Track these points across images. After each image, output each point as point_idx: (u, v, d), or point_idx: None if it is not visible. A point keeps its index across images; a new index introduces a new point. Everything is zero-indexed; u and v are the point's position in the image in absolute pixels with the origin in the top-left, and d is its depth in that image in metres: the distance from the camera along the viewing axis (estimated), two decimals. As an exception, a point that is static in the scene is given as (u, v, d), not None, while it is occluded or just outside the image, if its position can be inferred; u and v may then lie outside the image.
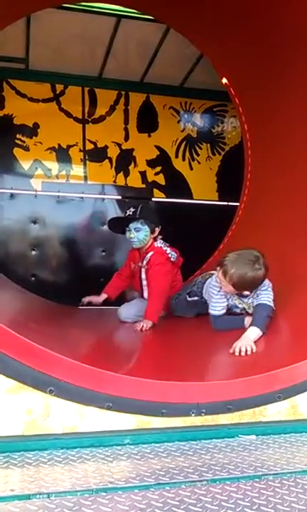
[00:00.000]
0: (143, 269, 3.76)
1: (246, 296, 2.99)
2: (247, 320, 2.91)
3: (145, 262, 3.72)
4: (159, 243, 3.78)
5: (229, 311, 3.11)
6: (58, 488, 1.55)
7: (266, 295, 2.89)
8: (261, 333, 2.70)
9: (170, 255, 3.74)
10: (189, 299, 3.59)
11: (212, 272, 3.31)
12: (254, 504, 1.49)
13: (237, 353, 2.52)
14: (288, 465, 1.77)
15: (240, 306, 3.07)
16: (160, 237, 3.84)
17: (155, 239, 3.79)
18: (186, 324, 3.53)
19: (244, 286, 2.87)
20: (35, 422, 1.85)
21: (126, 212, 3.77)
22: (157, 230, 3.79)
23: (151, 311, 3.48)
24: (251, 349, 2.53)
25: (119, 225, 3.88)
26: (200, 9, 3.63)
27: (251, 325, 2.76)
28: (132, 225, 3.72)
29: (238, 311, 3.10)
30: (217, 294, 3.06)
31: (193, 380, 2.20)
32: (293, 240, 3.29)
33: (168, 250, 3.76)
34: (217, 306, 3.07)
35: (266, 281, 2.92)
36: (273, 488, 1.60)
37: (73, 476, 1.64)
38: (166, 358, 2.62)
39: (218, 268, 2.94)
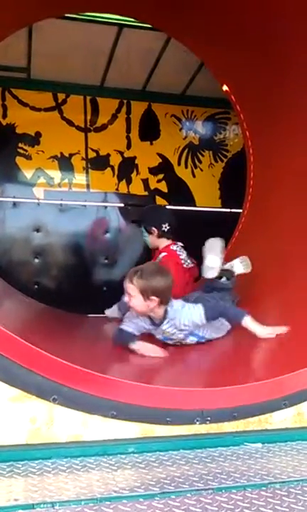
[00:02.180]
0: None
1: (159, 324, 2.90)
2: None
3: (157, 262, 3.73)
4: (175, 247, 3.81)
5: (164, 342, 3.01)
6: (62, 498, 1.54)
7: (195, 312, 2.85)
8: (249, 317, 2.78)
9: (182, 261, 3.75)
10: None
11: None
12: (260, 513, 1.47)
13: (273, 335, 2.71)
14: (294, 473, 1.75)
15: (173, 337, 2.96)
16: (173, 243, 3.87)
17: (173, 241, 3.85)
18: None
19: (151, 288, 2.77)
20: (39, 430, 1.84)
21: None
22: (154, 229, 3.83)
23: None
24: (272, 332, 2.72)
25: None
26: (199, 18, 3.65)
27: (241, 323, 2.79)
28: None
29: (171, 342, 2.99)
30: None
31: (198, 386, 2.18)
32: (296, 247, 3.28)
33: (183, 256, 3.77)
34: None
35: (178, 302, 2.91)
36: (280, 496, 1.58)
37: (77, 485, 1.62)
38: (171, 364, 2.60)
39: (125, 282, 2.87)
